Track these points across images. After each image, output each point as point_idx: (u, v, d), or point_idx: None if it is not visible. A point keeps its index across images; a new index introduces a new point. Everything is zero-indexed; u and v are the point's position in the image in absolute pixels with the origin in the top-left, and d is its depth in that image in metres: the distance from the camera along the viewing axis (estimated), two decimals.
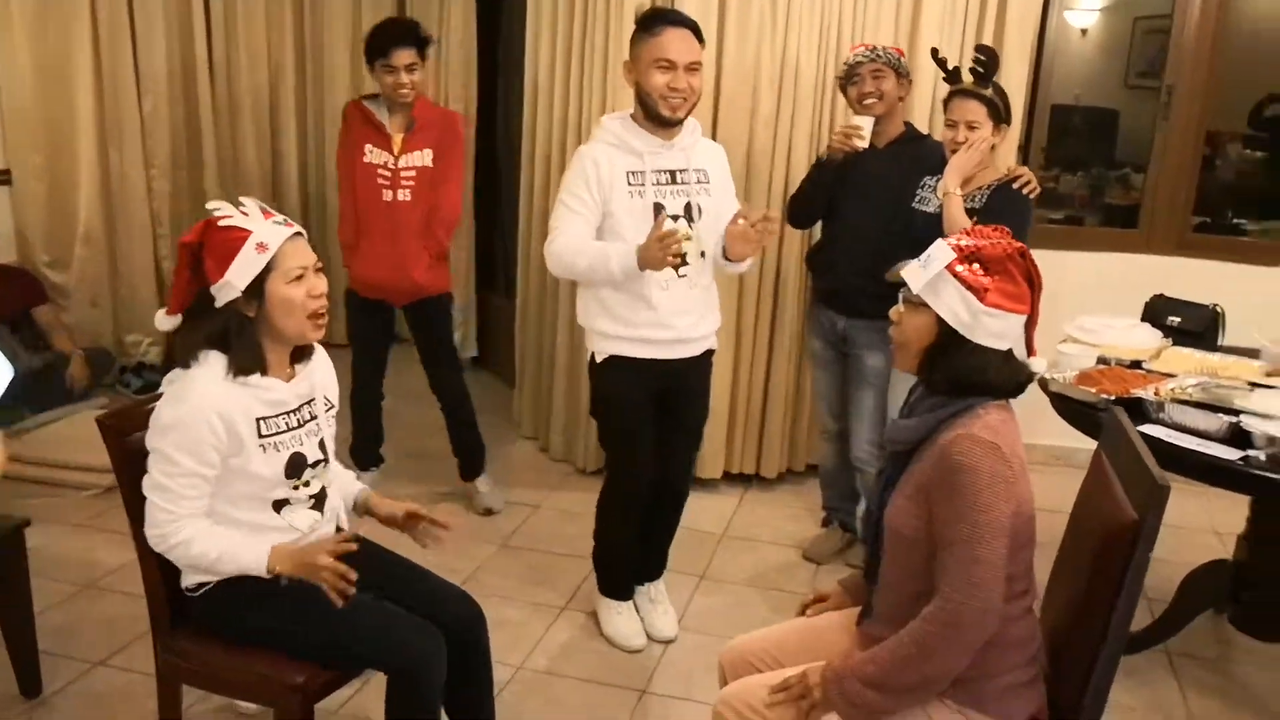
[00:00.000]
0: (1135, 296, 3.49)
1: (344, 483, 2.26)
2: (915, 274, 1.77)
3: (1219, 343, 3.26)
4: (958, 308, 1.71)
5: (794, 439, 4.19)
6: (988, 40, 3.84)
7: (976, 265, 1.71)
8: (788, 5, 3.73)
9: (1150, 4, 6.99)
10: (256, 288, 1.95)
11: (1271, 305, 3.62)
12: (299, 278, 1.98)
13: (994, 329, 1.72)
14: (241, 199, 2.02)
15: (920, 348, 1.78)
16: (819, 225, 3.48)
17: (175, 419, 1.91)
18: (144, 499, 1.96)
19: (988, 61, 2.94)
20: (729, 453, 4.12)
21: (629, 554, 3.09)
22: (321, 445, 2.12)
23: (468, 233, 5.35)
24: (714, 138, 3.78)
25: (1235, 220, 5.60)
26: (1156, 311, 3.35)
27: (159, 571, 2.07)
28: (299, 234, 2.01)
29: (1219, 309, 3.27)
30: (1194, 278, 3.88)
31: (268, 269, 1.94)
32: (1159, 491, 1.60)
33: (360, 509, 2.26)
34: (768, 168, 3.85)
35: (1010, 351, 1.78)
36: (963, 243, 1.76)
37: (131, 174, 4.83)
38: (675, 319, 2.78)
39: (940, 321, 1.74)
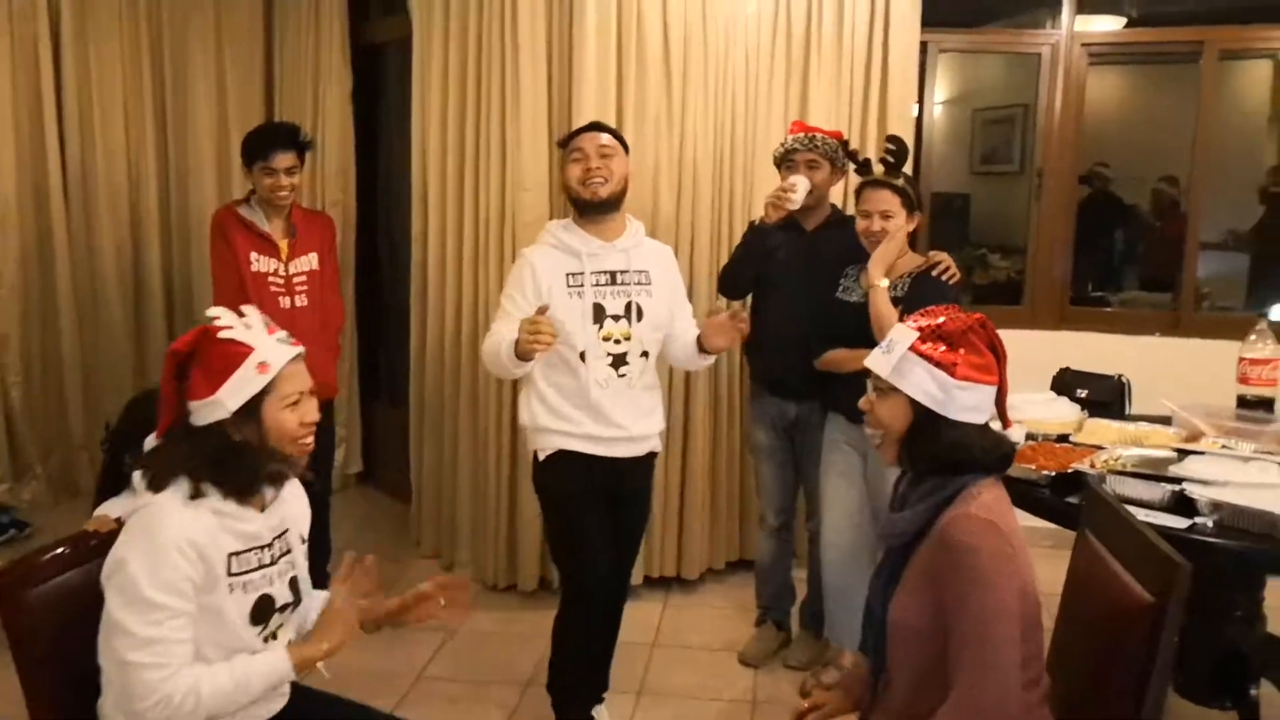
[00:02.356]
0: (1028, 371, 3.54)
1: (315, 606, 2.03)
2: (880, 360, 1.78)
3: (1126, 411, 3.35)
4: (929, 386, 1.71)
5: (714, 536, 4.08)
6: (871, 131, 3.96)
7: (940, 342, 1.70)
8: (683, 100, 3.75)
9: (988, 97, 7.47)
10: (249, 410, 1.75)
11: (1152, 372, 3.75)
12: (295, 403, 1.80)
13: (968, 402, 1.71)
14: (243, 308, 1.83)
15: (898, 433, 1.76)
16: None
17: (151, 556, 1.66)
18: (98, 673, 1.70)
19: (898, 151, 2.99)
20: (648, 555, 3.98)
21: (588, 669, 2.93)
22: (293, 585, 1.90)
23: (350, 340, 5.11)
24: None
25: (1095, 293, 5.93)
26: (1065, 384, 3.43)
27: None
28: (301, 355, 1.84)
29: (1125, 379, 3.37)
30: (1077, 350, 4.01)
31: (264, 391, 1.75)
32: (1177, 571, 1.56)
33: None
34: None
35: (987, 425, 1.76)
36: (922, 322, 1.75)
37: None
38: (615, 416, 2.76)
39: (913, 403, 1.72)
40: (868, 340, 2.94)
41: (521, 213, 3.74)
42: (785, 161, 3.25)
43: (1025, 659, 1.63)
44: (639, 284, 2.79)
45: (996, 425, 1.82)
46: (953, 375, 1.68)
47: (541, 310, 2.55)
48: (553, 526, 2.90)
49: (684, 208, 3.82)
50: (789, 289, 3.24)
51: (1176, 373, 3.80)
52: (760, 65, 3.87)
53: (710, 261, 3.87)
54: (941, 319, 1.73)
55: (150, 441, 1.81)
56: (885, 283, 2.93)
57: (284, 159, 3.38)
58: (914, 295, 2.95)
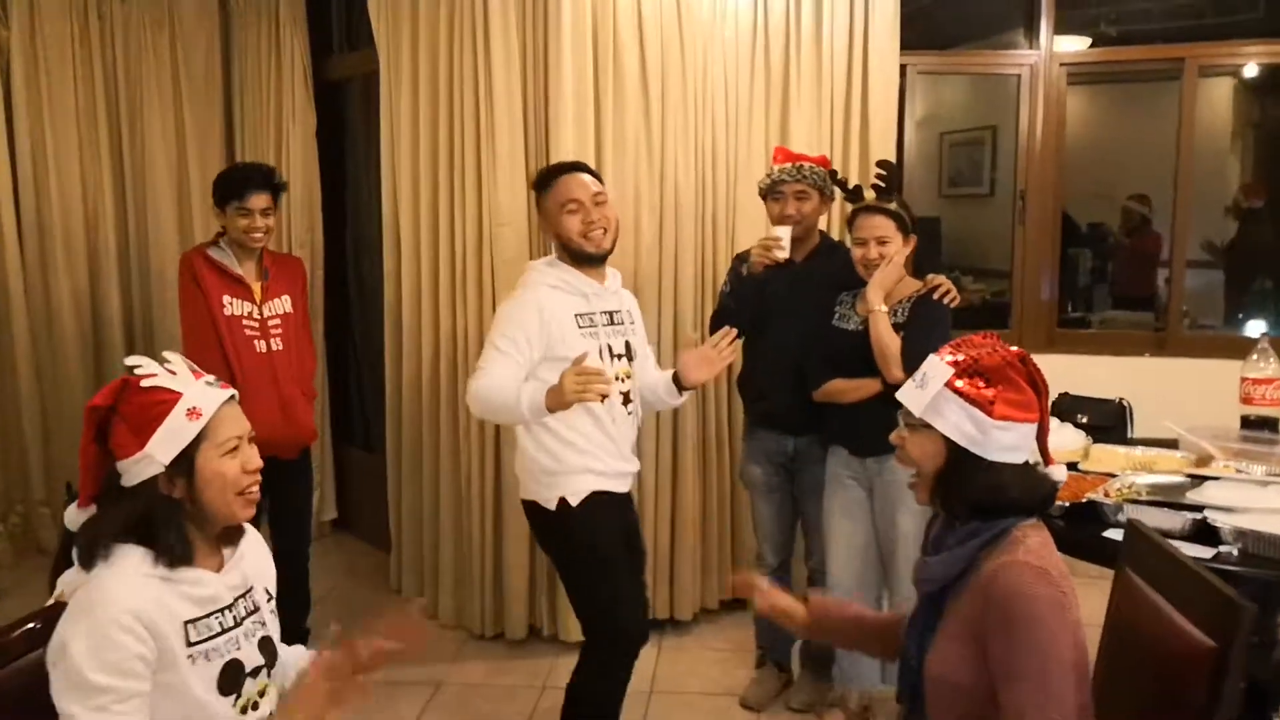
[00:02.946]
0: None
1: (294, 662, 1.89)
2: (913, 396, 1.67)
3: (1128, 436, 3.28)
4: (965, 425, 1.61)
5: (706, 575, 3.96)
6: (853, 155, 3.89)
7: (977, 377, 1.60)
8: (662, 128, 3.67)
9: (955, 121, 7.49)
10: (184, 462, 1.61)
11: (1144, 394, 3.69)
12: (234, 449, 1.66)
13: (1006, 442, 1.62)
14: (166, 354, 1.70)
15: (931, 472, 1.67)
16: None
17: (93, 636, 1.50)
18: None
19: (889, 176, 2.92)
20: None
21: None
22: (265, 646, 1.75)
23: (321, 383, 4.94)
24: None
25: (1074, 314, 5.90)
26: (1065, 409, 3.36)
27: None
28: (233, 398, 1.70)
29: (1126, 402, 3.30)
30: (1069, 373, 3.94)
31: (198, 440, 1.61)
32: (1240, 614, 1.47)
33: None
34: (655, 295, 3.72)
35: (1028, 463, 1.66)
36: (959, 356, 1.65)
37: None
38: (628, 451, 2.79)
39: (949, 442, 1.62)
40: (869, 368, 2.88)
41: (500, 249, 3.63)
42: (772, 193, 3.16)
43: (1078, 707, 1.53)
44: (630, 324, 2.83)
45: (1037, 460, 1.72)
46: (990, 414, 1.58)
47: (580, 360, 2.46)
48: (584, 574, 2.73)
49: (666, 236, 3.72)
50: (782, 321, 3.15)
51: (1168, 393, 3.73)
52: (740, 90, 3.79)
53: (695, 290, 3.78)
54: (977, 353, 1.62)
55: (71, 513, 1.66)
56: (885, 308, 2.85)
57: (259, 199, 3.28)
58: (914, 319, 2.88)
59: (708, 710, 3.34)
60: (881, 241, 2.87)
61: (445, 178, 3.74)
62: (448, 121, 3.72)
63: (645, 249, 3.68)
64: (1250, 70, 6.60)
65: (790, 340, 3.12)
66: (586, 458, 2.68)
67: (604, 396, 2.55)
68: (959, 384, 1.60)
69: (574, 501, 2.67)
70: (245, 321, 3.30)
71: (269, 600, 1.81)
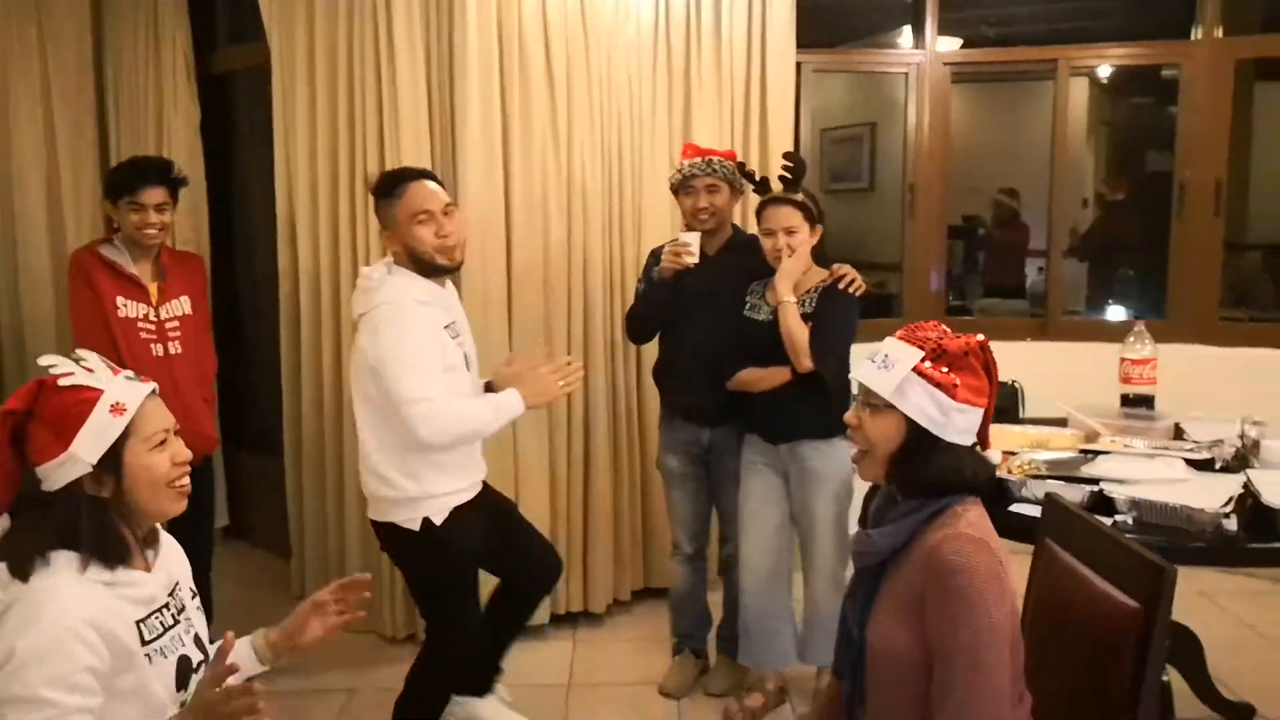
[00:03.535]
0: None
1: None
2: (878, 377, 1.70)
3: (1020, 415, 3.45)
4: (928, 407, 1.66)
5: (619, 566, 3.99)
6: (753, 150, 3.98)
7: (941, 362, 1.67)
8: (569, 126, 3.68)
9: (836, 117, 7.70)
10: (111, 460, 1.56)
11: (1028, 376, 3.87)
12: (161, 443, 1.62)
13: (962, 425, 1.69)
14: (79, 351, 1.64)
15: (888, 452, 1.71)
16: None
17: (37, 647, 1.44)
18: None
19: (795, 167, 3.00)
20: (553, 594, 3.85)
21: None
22: (198, 643, 1.72)
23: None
24: (508, 267, 3.65)
25: (956, 303, 6.15)
26: None
27: None
28: (154, 392, 1.66)
29: (1018, 384, 3.48)
30: None
31: (124, 436, 1.57)
32: (1162, 576, 1.58)
33: (272, 653, 1.85)
34: (564, 293, 3.73)
35: (975, 446, 1.74)
36: (920, 337, 1.71)
37: None
38: (480, 456, 2.82)
39: (909, 423, 1.67)
40: (780, 358, 2.96)
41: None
42: (684, 187, 3.20)
43: (1012, 676, 1.61)
44: (467, 332, 2.77)
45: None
46: (953, 397, 1.64)
47: (536, 358, 2.65)
48: (444, 590, 2.74)
49: (575, 234, 3.73)
50: (696, 315, 3.19)
51: (1050, 376, 3.93)
52: (643, 89, 3.83)
53: (604, 288, 3.80)
54: (942, 339, 1.69)
55: None
56: (793, 299, 2.93)
57: (154, 194, 3.12)
58: (821, 309, 2.97)
59: (627, 700, 3.37)
60: (789, 232, 2.95)
61: (346, 174, 3.66)
62: (348, 117, 3.64)
63: (554, 247, 3.69)
64: (1104, 71, 7.01)
65: (705, 332, 3.17)
66: (454, 478, 2.66)
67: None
68: (926, 367, 1.66)
69: (439, 520, 2.63)
70: (141, 324, 3.15)
71: (193, 597, 1.78)
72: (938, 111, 4.40)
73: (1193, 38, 4.30)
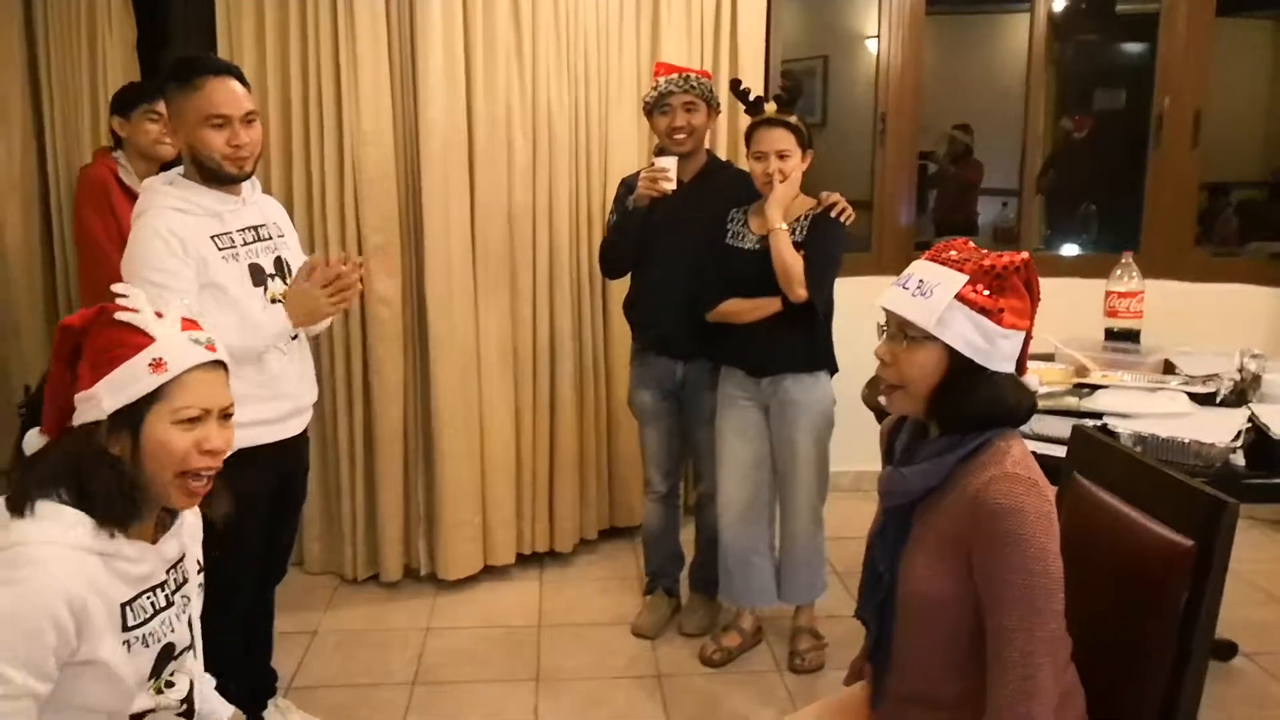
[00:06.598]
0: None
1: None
2: (916, 307, 1.54)
3: None
4: (971, 335, 1.52)
5: (584, 506, 3.89)
6: (723, 74, 3.83)
7: (984, 284, 1.53)
8: (533, 47, 3.49)
9: (786, 49, 7.53)
10: (127, 419, 1.39)
11: None
12: (192, 420, 1.43)
13: (1007, 351, 1.56)
14: (161, 293, 1.56)
15: (928, 387, 1.57)
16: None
17: (10, 611, 1.29)
18: None
19: (792, 87, 2.88)
20: (519, 533, 3.75)
21: None
22: (190, 625, 1.56)
23: None
24: (471, 197, 3.47)
25: (925, 240, 6.09)
26: None
27: None
28: (218, 364, 1.47)
29: None
30: None
31: (150, 397, 1.39)
32: (1224, 510, 1.49)
33: None
34: (529, 225, 3.57)
35: (1014, 373, 1.62)
36: (965, 262, 1.56)
37: None
38: (292, 387, 2.43)
39: (950, 354, 1.54)
40: (767, 288, 2.85)
41: (364, 169, 3.39)
42: (659, 106, 3.05)
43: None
44: (279, 236, 2.46)
45: None
46: (999, 323, 1.51)
47: (310, 267, 2.25)
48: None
49: (540, 160, 3.56)
50: (670, 244, 3.07)
51: None
52: (610, 7, 3.65)
53: (570, 215, 3.65)
54: (982, 258, 1.55)
55: (33, 437, 1.44)
56: (785, 226, 2.81)
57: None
58: (812, 237, 2.86)
59: (600, 641, 3.29)
60: (782, 156, 2.83)
61: (299, 93, 3.43)
62: (300, 34, 3.40)
63: (519, 173, 3.52)
64: (1058, 4, 6.95)
65: (680, 263, 3.05)
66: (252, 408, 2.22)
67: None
68: (968, 292, 1.52)
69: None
70: None
71: (199, 572, 1.62)
72: (911, 36, 4.27)
73: None
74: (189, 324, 1.48)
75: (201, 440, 1.44)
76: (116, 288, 1.47)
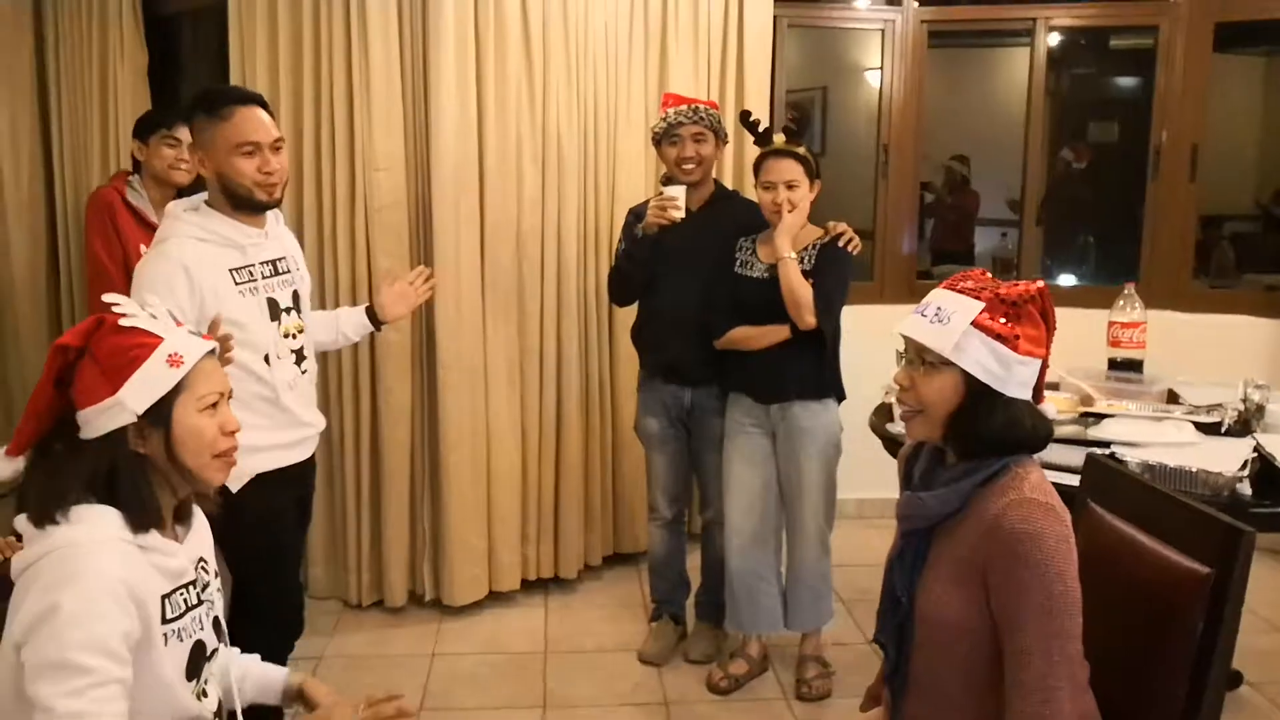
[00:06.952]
0: (893, 344, 3.59)
1: (249, 672, 1.72)
2: (935, 334, 1.58)
3: None
4: (988, 361, 1.56)
5: (589, 531, 3.90)
6: (729, 106, 3.88)
7: (1001, 313, 1.57)
8: (544, 75, 3.53)
9: (788, 80, 7.61)
10: (159, 414, 1.44)
11: None
12: (212, 405, 1.51)
13: (1024, 377, 1.59)
14: (146, 296, 1.56)
15: (946, 412, 1.60)
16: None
17: (77, 605, 1.32)
18: None
19: (800, 119, 2.93)
20: (524, 558, 3.75)
21: None
22: (216, 626, 1.60)
23: None
24: (481, 222, 3.50)
25: (924, 269, 6.13)
26: None
27: None
28: (214, 351, 1.55)
29: None
30: None
31: (176, 390, 1.45)
32: (1240, 539, 1.52)
33: (292, 697, 1.73)
34: (538, 250, 3.60)
35: (1031, 400, 1.65)
36: (982, 290, 1.60)
37: None
38: (305, 413, 2.50)
39: (967, 380, 1.58)
40: (775, 316, 2.88)
41: (375, 196, 3.42)
42: (668, 137, 3.09)
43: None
44: (296, 270, 2.51)
45: None
46: (1015, 349, 1.55)
47: (215, 325, 2.15)
48: (253, 562, 2.44)
49: (549, 187, 3.60)
50: (679, 272, 3.10)
51: None
52: (620, 39, 3.71)
53: (578, 242, 3.69)
54: (999, 288, 1.59)
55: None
56: (794, 255, 2.85)
57: (187, 132, 2.85)
58: (820, 266, 2.90)
59: (607, 667, 3.29)
60: (790, 186, 2.87)
61: (311, 119, 3.47)
62: (313, 60, 3.44)
63: (528, 201, 3.56)
64: (1053, 40, 7.02)
65: (688, 290, 3.08)
66: (248, 435, 2.21)
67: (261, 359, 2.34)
68: (984, 319, 1.56)
69: (235, 487, 2.30)
70: None
71: (215, 576, 1.65)
72: (914, 71, 4.33)
73: None
74: (179, 320, 1.55)
75: (223, 423, 1.54)
76: (107, 298, 1.51)
